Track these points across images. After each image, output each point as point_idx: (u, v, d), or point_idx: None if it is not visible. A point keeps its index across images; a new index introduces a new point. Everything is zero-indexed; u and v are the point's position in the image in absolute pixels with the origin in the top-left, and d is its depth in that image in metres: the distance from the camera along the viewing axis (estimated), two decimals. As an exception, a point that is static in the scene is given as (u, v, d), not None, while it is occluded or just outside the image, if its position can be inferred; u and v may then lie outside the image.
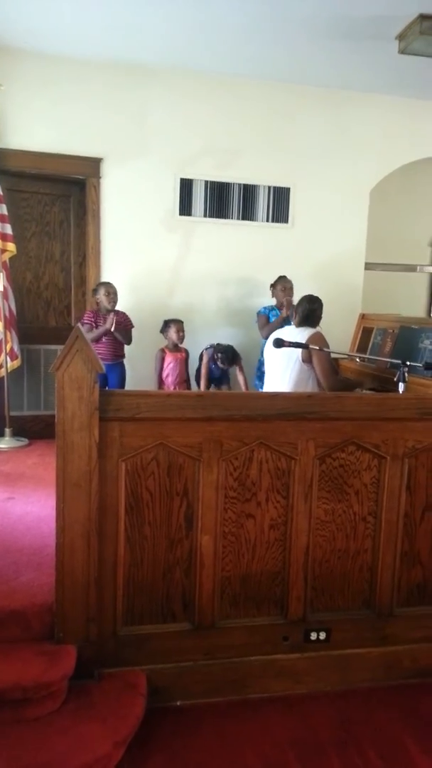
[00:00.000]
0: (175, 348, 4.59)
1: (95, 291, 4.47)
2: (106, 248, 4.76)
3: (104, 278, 4.72)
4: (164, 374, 4.57)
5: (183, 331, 4.57)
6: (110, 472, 2.19)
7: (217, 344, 4.66)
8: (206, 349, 4.70)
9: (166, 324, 4.59)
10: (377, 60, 4.34)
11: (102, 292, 4.38)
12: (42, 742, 1.92)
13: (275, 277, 4.68)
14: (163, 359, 4.57)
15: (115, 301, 4.41)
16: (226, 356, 4.52)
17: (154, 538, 2.27)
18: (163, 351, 4.59)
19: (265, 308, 4.68)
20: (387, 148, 5.12)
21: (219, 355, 4.52)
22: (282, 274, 4.64)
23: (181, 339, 4.57)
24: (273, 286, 4.66)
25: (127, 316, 4.47)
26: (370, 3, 3.56)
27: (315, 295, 3.76)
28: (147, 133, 4.71)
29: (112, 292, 4.39)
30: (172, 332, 4.55)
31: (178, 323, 4.58)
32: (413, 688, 2.46)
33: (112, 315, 4.32)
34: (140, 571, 2.27)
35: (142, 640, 2.29)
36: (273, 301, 4.67)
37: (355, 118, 5.04)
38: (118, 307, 4.44)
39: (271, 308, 4.65)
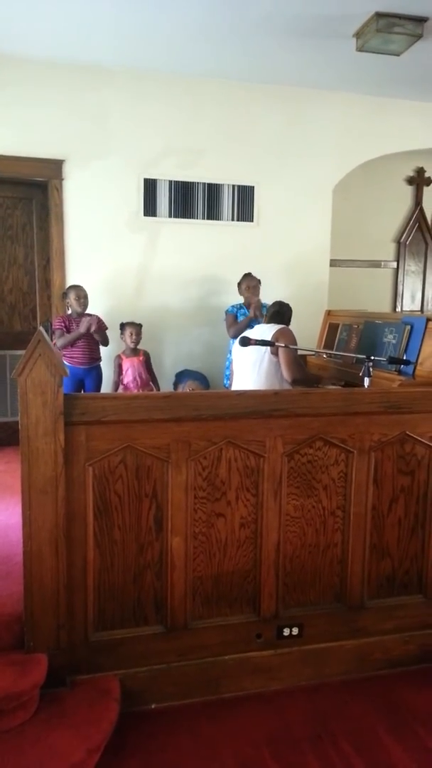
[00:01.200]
0: (133, 352, 4.54)
1: (65, 295, 4.41)
2: (71, 251, 4.72)
3: (70, 281, 4.67)
4: (126, 380, 4.51)
5: (138, 335, 4.50)
6: (77, 477, 2.17)
7: (191, 378, 4.66)
8: (181, 380, 4.69)
9: (122, 327, 4.55)
10: (335, 58, 4.38)
11: (72, 296, 4.32)
12: (14, 753, 1.89)
13: (241, 277, 4.69)
14: (120, 365, 4.53)
15: (85, 305, 4.35)
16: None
17: (124, 542, 2.26)
18: (119, 357, 4.54)
19: (233, 307, 4.69)
20: (347, 145, 5.18)
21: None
22: (247, 272, 4.65)
23: (135, 343, 4.50)
24: (239, 284, 4.66)
25: (99, 318, 4.43)
26: (327, 1, 3.59)
27: (285, 301, 3.93)
28: (109, 133, 4.68)
29: (82, 296, 4.33)
30: (126, 336, 4.50)
31: (133, 327, 4.51)
32: (385, 679, 2.49)
33: (87, 319, 4.25)
34: (111, 576, 2.26)
35: (115, 645, 2.27)
36: (241, 300, 4.68)
37: (315, 115, 5.08)
38: (87, 310, 4.39)
39: (239, 306, 4.66)
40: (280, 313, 3.80)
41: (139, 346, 4.55)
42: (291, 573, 2.44)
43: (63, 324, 4.29)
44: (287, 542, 2.41)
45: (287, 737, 2.16)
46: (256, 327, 3.76)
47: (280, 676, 2.44)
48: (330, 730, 2.20)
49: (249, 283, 4.58)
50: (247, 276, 4.62)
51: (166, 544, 2.28)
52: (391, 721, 2.25)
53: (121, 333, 4.53)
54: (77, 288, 4.35)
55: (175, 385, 4.83)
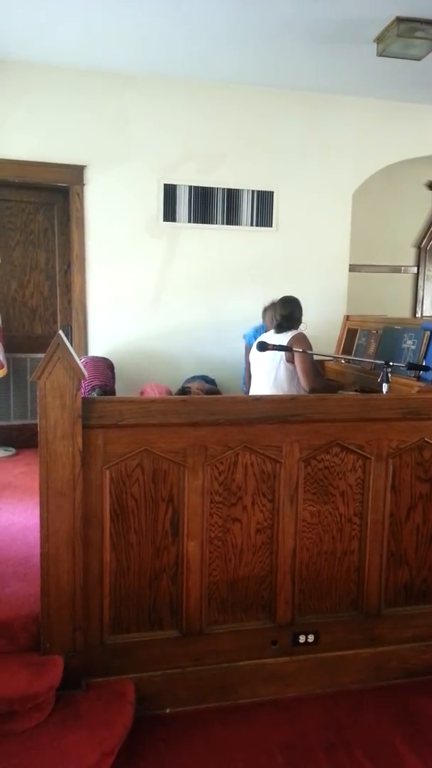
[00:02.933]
0: None
1: None
2: (91, 255, 4.76)
3: (90, 285, 4.71)
4: None
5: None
6: (94, 480, 2.18)
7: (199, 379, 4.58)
8: (189, 380, 4.68)
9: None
10: (356, 63, 4.37)
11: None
12: (28, 755, 1.90)
13: (259, 282, 4.64)
14: None
15: None
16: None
17: (140, 546, 2.26)
18: None
19: (250, 334, 4.44)
20: (367, 150, 5.15)
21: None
22: (275, 300, 3.95)
23: None
24: (265, 310, 4.17)
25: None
26: (348, 7, 3.58)
27: (289, 295, 3.72)
28: (129, 139, 4.72)
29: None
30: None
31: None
32: (402, 689, 2.46)
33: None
34: (127, 579, 2.26)
35: (130, 649, 2.28)
36: (259, 320, 4.47)
37: (335, 120, 5.07)
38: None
39: (256, 330, 4.45)
40: (291, 317, 3.57)
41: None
42: (307, 579, 2.42)
43: None
44: (303, 548, 2.40)
45: (302, 745, 2.14)
46: (272, 335, 3.67)
47: (296, 684, 2.43)
48: (345, 739, 2.18)
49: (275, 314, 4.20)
50: (275, 305, 3.96)
51: (181, 549, 2.29)
52: (407, 731, 2.22)
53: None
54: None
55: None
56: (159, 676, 2.30)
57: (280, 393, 3.44)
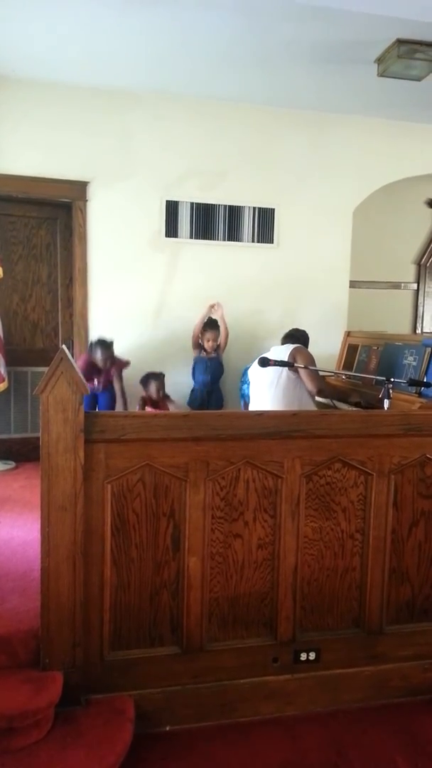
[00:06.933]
0: (154, 404, 4.50)
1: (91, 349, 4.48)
2: (93, 270, 4.79)
3: (92, 300, 4.74)
4: None
5: (163, 388, 4.50)
6: (96, 495, 2.18)
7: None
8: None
9: (146, 381, 4.51)
10: (357, 83, 4.43)
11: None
12: (27, 772, 1.88)
13: (260, 298, 4.70)
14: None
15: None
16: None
17: (141, 561, 2.25)
18: (144, 401, 4.53)
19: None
20: (368, 168, 5.21)
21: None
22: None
23: (160, 395, 4.49)
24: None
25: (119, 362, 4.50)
26: (349, 28, 3.64)
27: (301, 329, 4.07)
28: (132, 156, 4.77)
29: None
30: (152, 389, 4.47)
31: (159, 379, 4.49)
32: (404, 707, 2.44)
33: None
34: (127, 595, 2.25)
35: (130, 665, 2.26)
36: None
37: (336, 139, 5.13)
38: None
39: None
40: (295, 336, 3.90)
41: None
42: (308, 596, 2.41)
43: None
44: (305, 565, 2.39)
45: (303, 764, 2.12)
46: (273, 348, 3.78)
47: (297, 702, 2.40)
48: (347, 758, 2.16)
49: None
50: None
51: (182, 564, 2.28)
52: (409, 751, 2.19)
53: (145, 387, 4.50)
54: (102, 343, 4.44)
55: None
56: (159, 693, 2.28)
57: (283, 400, 3.47)
